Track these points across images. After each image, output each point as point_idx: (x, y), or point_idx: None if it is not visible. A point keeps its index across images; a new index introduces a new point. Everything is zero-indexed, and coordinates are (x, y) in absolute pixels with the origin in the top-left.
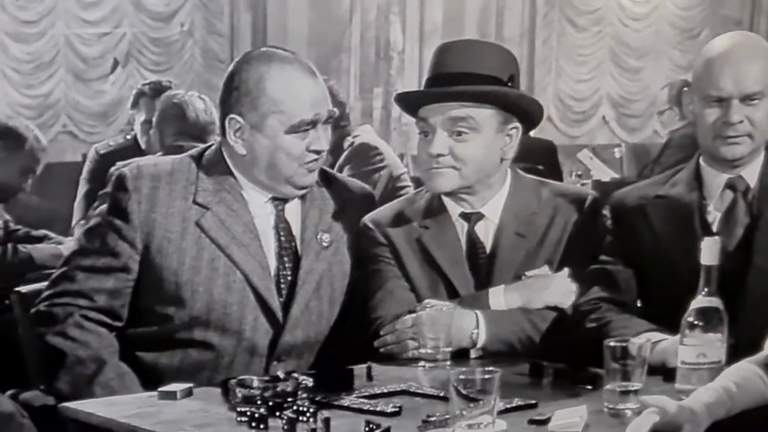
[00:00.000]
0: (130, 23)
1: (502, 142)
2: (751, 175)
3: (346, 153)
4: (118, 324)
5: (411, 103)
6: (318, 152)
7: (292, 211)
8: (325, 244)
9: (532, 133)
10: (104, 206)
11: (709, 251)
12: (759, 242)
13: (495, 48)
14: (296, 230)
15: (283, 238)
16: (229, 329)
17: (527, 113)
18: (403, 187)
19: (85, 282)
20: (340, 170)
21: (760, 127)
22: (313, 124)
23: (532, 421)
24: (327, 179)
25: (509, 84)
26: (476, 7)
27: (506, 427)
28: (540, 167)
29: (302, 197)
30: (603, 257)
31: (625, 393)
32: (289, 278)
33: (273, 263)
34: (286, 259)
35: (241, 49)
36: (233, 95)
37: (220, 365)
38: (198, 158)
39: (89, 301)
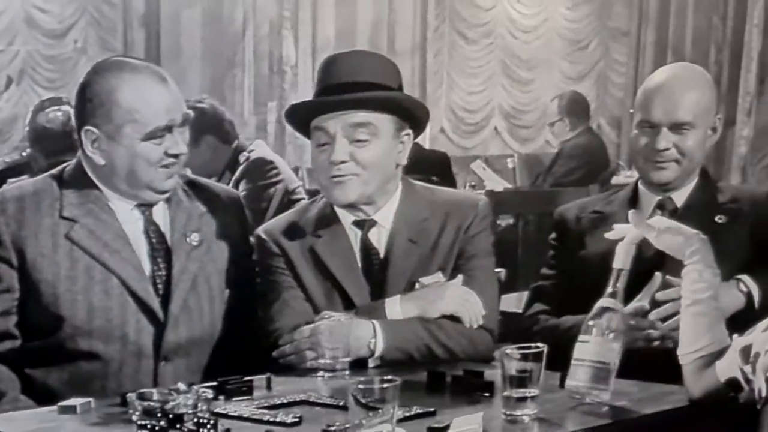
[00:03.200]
0: (24, 41)
1: (397, 147)
2: (680, 197)
3: (241, 168)
4: (17, 344)
5: (306, 114)
6: (176, 156)
7: (160, 214)
8: (195, 244)
9: (426, 146)
10: None
11: (621, 255)
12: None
13: (381, 58)
14: (166, 232)
15: (154, 240)
16: (113, 335)
17: (418, 119)
18: (299, 200)
19: None
20: (236, 185)
21: (688, 154)
22: (169, 129)
23: (431, 429)
24: (192, 184)
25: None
26: (368, 21)
27: None
28: (434, 178)
29: (168, 201)
30: (544, 270)
31: (522, 399)
32: (165, 278)
33: (147, 266)
34: (159, 260)
35: None
36: (87, 107)
37: (110, 373)
38: (59, 175)
39: None
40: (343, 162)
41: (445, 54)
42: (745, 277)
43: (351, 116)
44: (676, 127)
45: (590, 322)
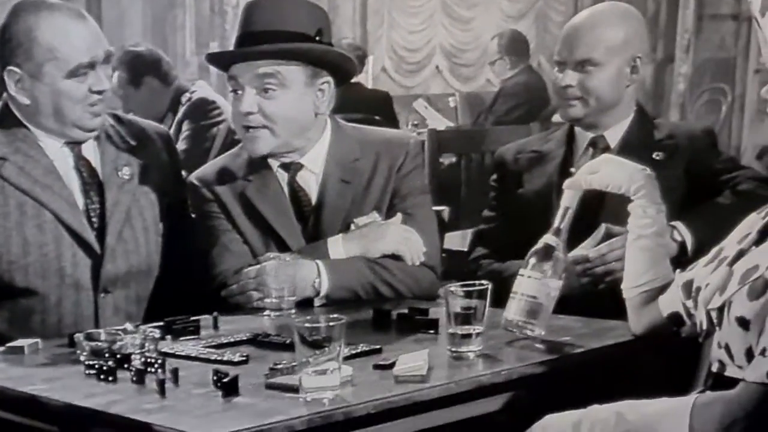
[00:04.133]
0: None
1: (314, 96)
2: (614, 135)
3: (183, 109)
4: None
5: (221, 62)
6: (100, 92)
7: (90, 149)
8: (126, 177)
9: (369, 86)
10: None
11: (568, 194)
12: (608, 205)
13: (302, 3)
14: (96, 167)
15: (85, 175)
16: (49, 268)
17: (337, 66)
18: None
19: None
20: (179, 125)
21: (593, 92)
22: (91, 66)
23: (377, 366)
24: (119, 120)
25: (317, 38)
26: None
27: (352, 373)
28: (377, 117)
29: (97, 138)
30: (486, 213)
31: (467, 336)
32: (99, 212)
33: (80, 200)
34: (92, 194)
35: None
36: (7, 48)
37: (49, 307)
38: None
39: None
40: (250, 113)
41: None
42: (678, 225)
43: (259, 67)
44: (580, 65)
45: (530, 258)
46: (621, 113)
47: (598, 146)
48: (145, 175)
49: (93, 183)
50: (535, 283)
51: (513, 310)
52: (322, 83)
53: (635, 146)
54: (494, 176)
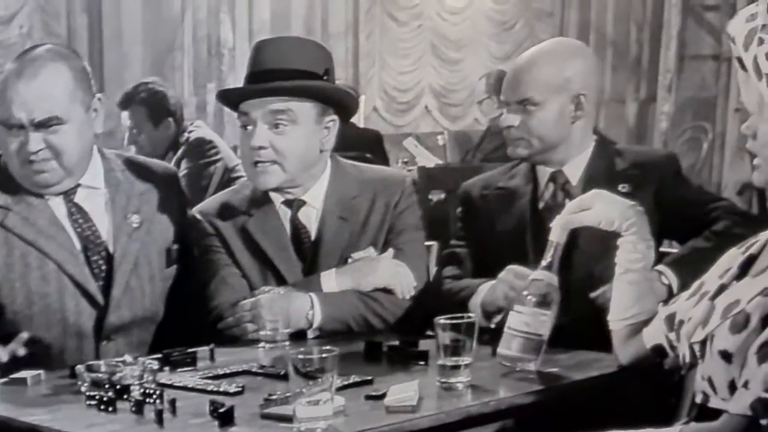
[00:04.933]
0: None
1: (321, 133)
2: (573, 170)
3: (182, 148)
4: None
5: (233, 99)
6: (32, 153)
7: (100, 197)
8: (135, 225)
9: (360, 125)
10: None
11: (557, 229)
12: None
13: (310, 44)
14: (98, 216)
15: (78, 229)
16: (53, 319)
17: (342, 105)
18: (238, 177)
19: None
20: (178, 164)
21: (535, 132)
22: (21, 126)
23: (368, 397)
24: (130, 163)
25: (325, 77)
26: (302, 4)
27: (344, 403)
28: (368, 155)
29: (108, 183)
30: (453, 241)
31: (456, 367)
32: (101, 262)
33: (81, 250)
34: (90, 245)
35: (79, 50)
36: None
37: (52, 355)
38: None
39: None
40: (261, 148)
41: (377, 35)
42: (665, 269)
43: (271, 103)
44: (521, 105)
45: (524, 293)
46: (575, 148)
47: (558, 181)
48: (154, 220)
49: (91, 233)
50: (531, 318)
51: (512, 347)
52: (329, 121)
53: (598, 180)
54: (460, 209)
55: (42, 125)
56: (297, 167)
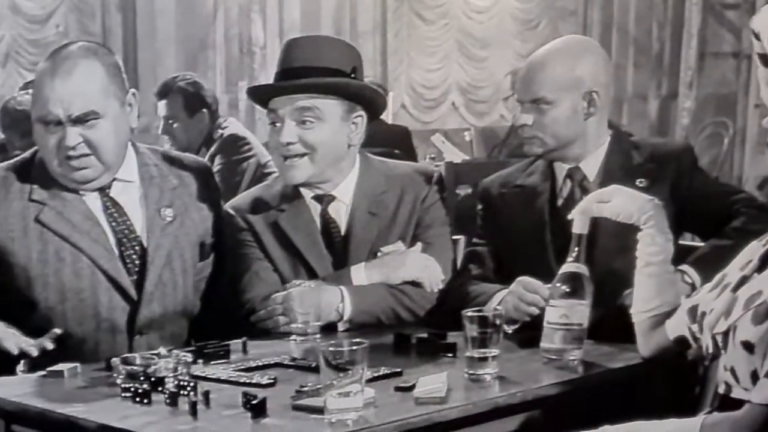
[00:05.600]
0: (9, 26)
1: (348, 129)
2: (590, 166)
3: (216, 144)
4: None
5: (262, 96)
6: (70, 147)
7: (134, 191)
8: (169, 219)
9: (389, 121)
10: None
11: (579, 222)
12: (602, 223)
13: (338, 43)
14: (132, 211)
15: (114, 223)
16: (87, 314)
17: (370, 102)
18: (270, 173)
19: None
20: (211, 160)
21: (548, 130)
22: (58, 122)
23: (398, 388)
24: (165, 158)
25: (352, 75)
26: (331, 4)
27: (374, 395)
28: (396, 151)
29: (142, 178)
30: (474, 239)
31: (484, 359)
32: (135, 257)
33: (115, 244)
34: (124, 240)
35: (114, 48)
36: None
37: (86, 349)
38: (30, 159)
39: None
40: (290, 143)
41: (405, 34)
42: (688, 269)
43: (298, 100)
44: (534, 104)
45: (558, 285)
46: (591, 144)
47: (575, 178)
48: (187, 215)
49: (126, 228)
50: (570, 310)
51: (555, 340)
52: (356, 117)
53: (615, 175)
54: (480, 207)
55: (79, 120)
56: (325, 161)
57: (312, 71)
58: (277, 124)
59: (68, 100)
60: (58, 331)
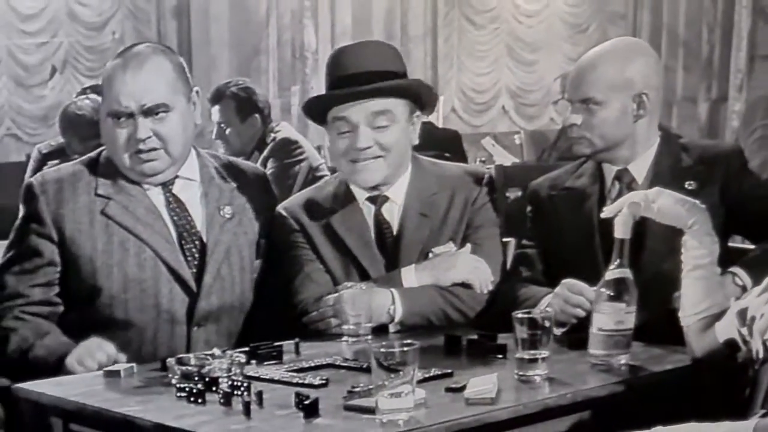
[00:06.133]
0: (66, 33)
1: (411, 129)
2: (639, 168)
3: (269, 148)
4: (59, 310)
5: (324, 105)
6: (140, 140)
7: (195, 189)
8: (227, 216)
9: (439, 125)
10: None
11: (621, 226)
12: (649, 226)
13: (385, 46)
14: (193, 207)
15: (175, 217)
16: (147, 303)
17: (426, 101)
18: (322, 176)
19: (17, 285)
20: (264, 163)
21: (597, 131)
22: (130, 115)
23: (448, 389)
24: (222, 162)
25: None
26: (382, 9)
27: (425, 395)
28: (447, 154)
29: (202, 177)
30: (524, 241)
31: (534, 360)
32: (194, 251)
33: (176, 238)
34: (185, 234)
35: None
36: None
37: (145, 338)
38: (96, 158)
39: (25, 299)
40: (368, 148)
41: (455, 39)
42: (738, 271)
43: (370, 104)
44: (584, 104)
45: (603, 290)
46: (640, 146)
47: (624, 180)
48: (245, 214)
49: (186, 223)
50: (616, 316)
51: (602, 346)
52: (415, 116)
53: (664, 177)
54: (529, 209)
55: (151, 112)
56: (397, 161)
57: (374, 75)
58: (348, 132)
59: (140, 92)
60: (123, 358)
